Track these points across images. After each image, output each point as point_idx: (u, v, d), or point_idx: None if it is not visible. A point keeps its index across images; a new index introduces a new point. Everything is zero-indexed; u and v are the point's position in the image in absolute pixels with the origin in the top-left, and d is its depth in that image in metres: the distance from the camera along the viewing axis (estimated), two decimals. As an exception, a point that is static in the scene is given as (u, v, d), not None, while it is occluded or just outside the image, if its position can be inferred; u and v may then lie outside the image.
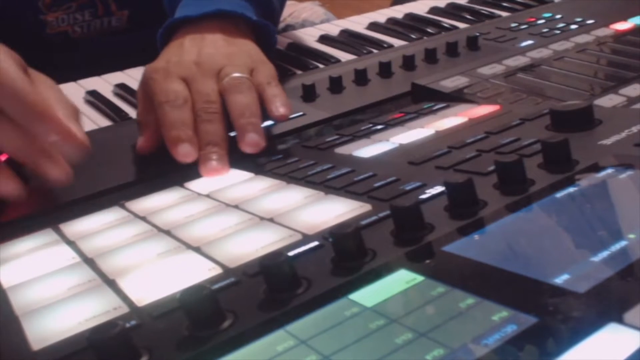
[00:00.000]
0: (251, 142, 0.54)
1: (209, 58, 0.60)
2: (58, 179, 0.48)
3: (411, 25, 0.92)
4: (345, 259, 0.32)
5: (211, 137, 0.54)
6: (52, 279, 0.37)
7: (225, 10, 0.67)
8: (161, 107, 0.55)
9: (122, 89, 0.76)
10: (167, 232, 0.41)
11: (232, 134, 0.56)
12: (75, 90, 0.77)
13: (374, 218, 0.37)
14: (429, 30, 0.88)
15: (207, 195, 0.48)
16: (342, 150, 0.53)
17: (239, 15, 0.68)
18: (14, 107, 0.45)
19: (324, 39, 0.90)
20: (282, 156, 0.54)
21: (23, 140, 0.46)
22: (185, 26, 0.67)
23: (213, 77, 0.59)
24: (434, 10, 0.99)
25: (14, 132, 0.46)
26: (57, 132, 0.47)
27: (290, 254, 0.34)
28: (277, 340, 0.27)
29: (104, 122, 0.68)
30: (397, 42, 0.86)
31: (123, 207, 0.48)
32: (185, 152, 0.53)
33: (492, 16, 0.93)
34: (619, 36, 0.74)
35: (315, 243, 0.35)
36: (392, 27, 0.92)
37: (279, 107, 0.57)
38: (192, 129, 0.54)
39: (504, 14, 0.93)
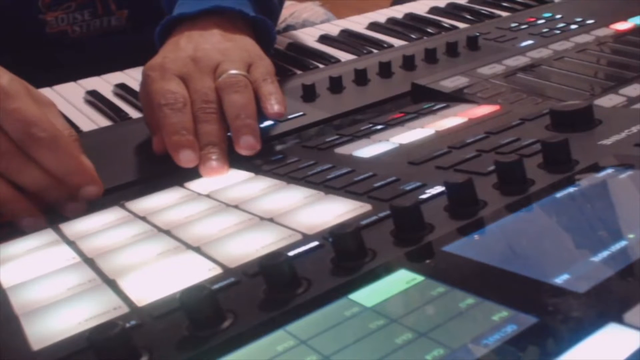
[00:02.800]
0: (246, 145, 0.54)
1: (205, 54, 0.60)
2: (74, 213, 0.49)
3: (411, 25, 0.92)
4: (345, 259, 0.32)
5: (210, 137, 0.54)
6: (52, 279, 0.37)
7: (223, 6, 0.67)
8: (161, 110, 0.55)
9: (122, 89, 0.76)
10: (167, 232, 0.41)
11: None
12: (75, 90, 0.77)
13: (374, 218, 0.37)
14: (429, 30, 0.89)
15: (207, 195, 0.48)
16: (342, 150, 0.53)
17: (236, 11, 0.67)
18: (45, 155, 0.48)
19: (324, 39, 0.90)
20: (282, 156, 0.54)
21: (42, 176, 0.49)
22: (182, 23, 0.67)
23: (210, 74, 0.59)
24: (434, 10, 0.99)
25: (33, 168, 0.48)
26: (83, 179, 0.49)
27: (290, 254, 0.34)
28: (277, 340, 0.27)
29: (104, 122, 0.68)
30: (397, 42, 0.86)
31: (123, 207, 0.48)
32: (187, 159, 0.53)
33: (492, 16, 0.93)
34: (619, 36, 0.74)
35: (315, 243, 0.35)
36: (392, 27, 0.92)
37: (273, 105, 0.57)
38: (192, 133, 0.54)
39: (504, 14, 0.93)
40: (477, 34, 0.78)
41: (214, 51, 0.61)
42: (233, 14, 0.67)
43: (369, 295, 0.29)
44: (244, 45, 0.64)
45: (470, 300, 0.26)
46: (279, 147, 0.59)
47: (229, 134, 0.56)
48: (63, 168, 0.48)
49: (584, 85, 0.61)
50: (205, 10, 0.66)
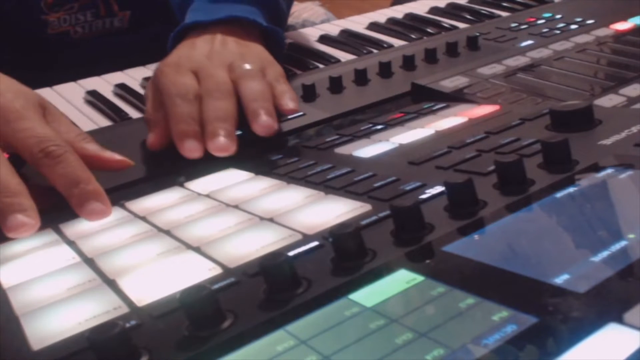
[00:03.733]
0: (265, 124, 0.55)
1: (220, 54, 0.61)
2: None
3: (411, 25, 0.92)
4: (345, 259, 0.32)
5: (219, 112, 0.55)
6: (52, 279, 0.37)
7: (237, 16, 0.68)
8: (171, 100, 0.56)
9: (122, 89, 0.76)
10: (167, 232, 0.41)
11: (237, 133, 0.56)
12: (75, 90, 0.77)
13: (374, 218, 0.37)
14: (429, 30, 0.88)
15: (207, 195, 0.48)
16: (342, 150, 0.53)
17: (250, 21, 0.68)
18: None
19: (324, 39, 0.90)
20: (282, 156, 0.54)
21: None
22: (196, 30, 0.68)
23: (224, 68, 0.60)
24: (434, 10, 0.99)
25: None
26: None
27: (290, 254, 0.34)
28: (277, 340, 0.27)
29: (104, 122, 0.68)
30: (397, 42, 0.86)
31: (123, 207, 0.48)
32: (190, 147, 0.53)
33: (492, 16, 0.93)
34: (619, 36, 0.74)
35: (315, 243, 0.35)
36: (392, 27, 0.92)
37: (288, 102, 0.58)
38: (199, 125, 0.55)
39: (504, 14, 0.93)
40: (477, 34, 0.78)
41: (228, 53, 0.62)
42: (247, 23, 0.68)
43: (369, 295, 0.29)
44: (257, 52, 0.65)
45: (470, 300, 0.26)
46: (279, 147, 0.59)
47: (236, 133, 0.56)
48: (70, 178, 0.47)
49: (584, 85, 0.61)
50: (220, 19, 0.67)
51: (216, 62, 0.60)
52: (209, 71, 0.58)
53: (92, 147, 0.52)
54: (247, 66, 0.59)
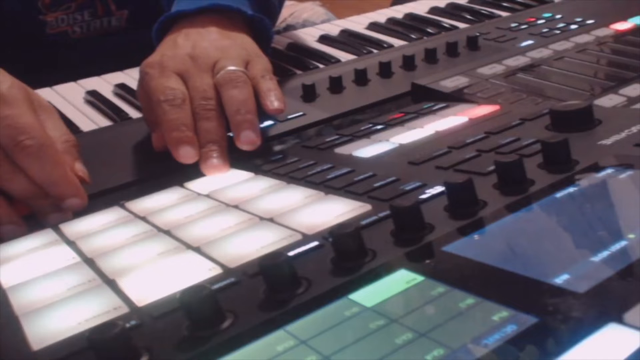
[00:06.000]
0: (247, 140, 0.54)
1: (204, 51, 0.60)
2: (57, 222, 0.49)
3: (411, 25, 0.92)
4: (345, 259, 0.32)
5: (210, 135, 0.54)
6: (52, 279, 0.37)
7: (221, 4, 0.67)
8: (160, 106, 0.55)
9: (122, 89, 0.76)
10: (167, 232, 0.41)
11: (231, 134, 0.56)
12: (75, 90, 0.77)
13: (374, 218, 0.37)
14: (429, 30, 0.88)
15: (207, 195, 0.48)
16: (342, 150, 0.53)
17: (234, 9, 0.67)
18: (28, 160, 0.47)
19: (324, 39, 0.90)
20: (282, 156, 0.54)
21: (28, 185, 0.48)
22: (180, 21, 0.67)
23: (208, 71, 0.59)
24: (434, 10, 0.99)
25: (20, 176, 0.48)
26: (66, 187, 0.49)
27: (290, 254, 0.34)
28: (277, 340, 0.27)
29: (104, 122, 0.68)
30: (397, 42, 0.86)
31: (123, 207, 0.48)
32: (186, 154, 0.53)
33: (492, 16, 0.93)
34: (619, 36, 0.74)
35: (315, 243, 0.35)
36: (392, 27, 0.92)
37: (273, 102, 0.57)
38: (192, 129, 0.54)
39: (504, 14, 0.93)
40: (477, 34, 0.78)
41: (212, 49, 0.61)
42: (231, 12, 0.67)
43: (369, 295, 0.29)
44: (242, 44, 0.64)
45: (470, 300, 0.26)
46: (279, 147, 0.59)
47: (230, 134, 0.56)
48: (47, 178, 0.48)
49: (584, 85, 0.61)
50: (203, 7, 0.66)
51: (200, 62, 0.59)
52: (194, 82, 0.57)
53: (66, 158, 0.51)
54: (231, 68, 0.58)
